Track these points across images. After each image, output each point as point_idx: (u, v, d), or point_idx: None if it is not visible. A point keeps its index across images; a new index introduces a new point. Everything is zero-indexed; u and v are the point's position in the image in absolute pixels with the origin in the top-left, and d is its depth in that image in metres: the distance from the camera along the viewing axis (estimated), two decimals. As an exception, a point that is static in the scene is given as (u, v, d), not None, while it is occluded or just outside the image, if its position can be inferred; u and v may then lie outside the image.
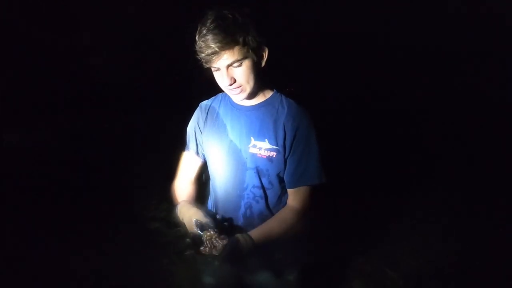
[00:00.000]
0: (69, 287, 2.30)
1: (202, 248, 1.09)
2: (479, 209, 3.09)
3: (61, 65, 4.90)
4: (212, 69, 1.18)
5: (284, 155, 1.26)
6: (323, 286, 2.33)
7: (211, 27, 1.09)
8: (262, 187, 1.30)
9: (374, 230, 2.89)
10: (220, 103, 1.37)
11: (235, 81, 1.17)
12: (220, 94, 1.40)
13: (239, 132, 1.30)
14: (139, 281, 2.34)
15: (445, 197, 3.29)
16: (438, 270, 2.49)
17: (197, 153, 1.44)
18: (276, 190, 1.31)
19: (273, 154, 1.26)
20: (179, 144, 1.52)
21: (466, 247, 2.67)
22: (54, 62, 4.80)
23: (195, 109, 1.44)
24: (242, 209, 1.33)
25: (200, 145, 1.42)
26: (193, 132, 1.42)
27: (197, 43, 1.13)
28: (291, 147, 1.26)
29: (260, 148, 1.26)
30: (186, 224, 1.21)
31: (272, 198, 1.32)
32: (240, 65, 1.15)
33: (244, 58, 1.14)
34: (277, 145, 1.25)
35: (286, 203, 1.32)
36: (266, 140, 1.26)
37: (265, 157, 1.26)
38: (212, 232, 1.10)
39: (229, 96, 1.32)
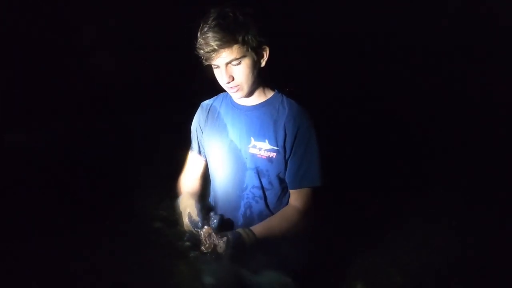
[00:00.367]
0: (69, 287, 2.30)
1: (202, 247, 1.10)
2: (479, 209, 3.09)
3: (61, 65, 4.90)
4: (212, 66, 1.20)
5: (285, 156, 1.26)
6: (323, 286, 2.32)
7: (212, 25, 1.11)
8: (262, 187, 1.30)
9: (374, 230, 2.89)
10: (221, 103, 1.38)
11: (233, 79, 1.18)
12: (221, 94, 1.40)
13: (239, 132, 1.30)
14: (139, 281, 2.34)
15: (445, 197, 3.29)
16: (438, 270, 2.49)
17: (200, 152, 1.44)
18: (276, 190, 1.31)
19: (273, 154, 1.26)
20: (179, 144, 1.52)
21: (466, 247, 2.67)
22: (54, 62, 4.79)
23: (196, 109, 1.44)
24: (242, 209, 1.34)
25: (202, 144, 1.42)
26: (195, 132, 1.43)
27: (198, 40, 1.15)
28: (292, 148, 1.26)
29: (260, 149, 1.27)
30: (182, 215, 1.25)
31: (272, 199, 1.32)
32: (239, 64, 1.16)
33: (243, 56, 1.15)
34: (277, 145, 1.25)
35: (286, 204, 1.32)
36: (266, 140, 1.26)
37: (265, 157, 1.26)
38: (207, 228, 1.13)
39: (230, 96, 1.32)
